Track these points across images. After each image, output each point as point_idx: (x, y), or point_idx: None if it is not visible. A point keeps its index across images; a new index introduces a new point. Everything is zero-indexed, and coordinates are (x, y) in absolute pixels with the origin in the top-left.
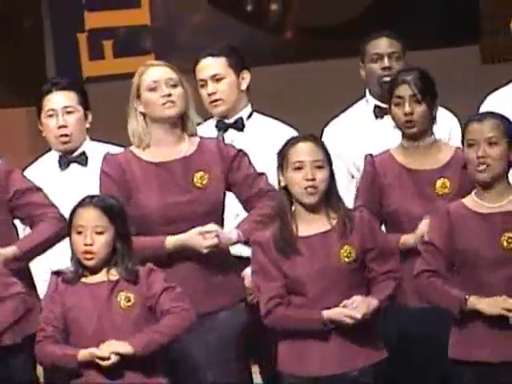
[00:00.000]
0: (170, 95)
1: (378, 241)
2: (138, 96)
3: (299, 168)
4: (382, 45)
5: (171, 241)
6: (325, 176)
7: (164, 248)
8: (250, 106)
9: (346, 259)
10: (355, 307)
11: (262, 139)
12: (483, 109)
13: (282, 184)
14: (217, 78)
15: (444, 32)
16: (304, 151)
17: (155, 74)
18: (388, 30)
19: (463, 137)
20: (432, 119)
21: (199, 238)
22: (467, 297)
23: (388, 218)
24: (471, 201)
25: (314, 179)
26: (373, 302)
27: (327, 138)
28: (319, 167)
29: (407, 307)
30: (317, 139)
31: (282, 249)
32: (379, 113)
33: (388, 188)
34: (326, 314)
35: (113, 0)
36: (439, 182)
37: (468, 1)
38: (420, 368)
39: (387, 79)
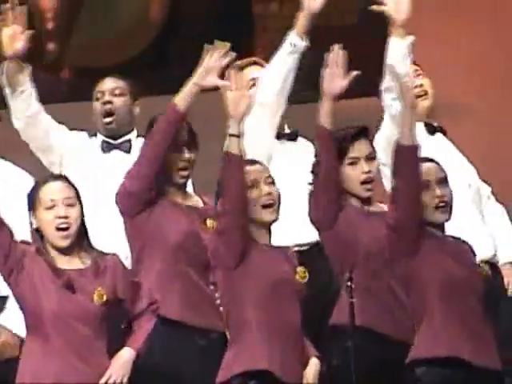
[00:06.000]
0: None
1: (128, 282)
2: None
3: (51, 207)
4: (104, 83)
5: None
6: (77, 214)
7: None
8: None
9: (99, 300)
10: None
11: None
12: None
13: (35, 226)
14: None
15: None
16: (55, 190)
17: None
18: (162, 72)
19: None
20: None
21: None
22: None
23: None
24: None
25: (66, 217)
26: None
27: None
28: (71, 205)
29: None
30: (67, 178)
31: None
32: (107, 148)
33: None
34: None
35: None
36: (210, 221)
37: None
38: None
39: (108, 119)
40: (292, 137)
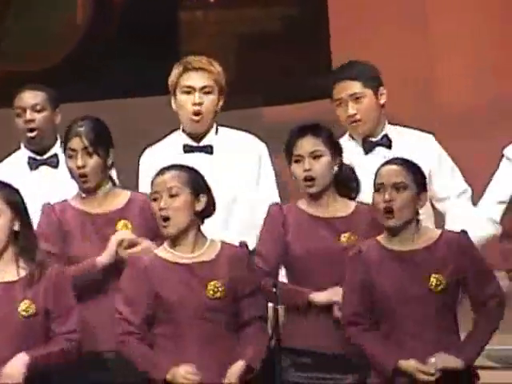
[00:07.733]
0: None
1: (58, 296)
2: None
3: None
4: (24, 98)
5: None
6: (1, 224)
7: None
8: None
9: (25, 313)
10: None
11: None
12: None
13: None
14: None
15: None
16: None
17: None
18: (88, 77)
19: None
20: (108, 168)
21: None
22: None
23: (71, 264)
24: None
25: None
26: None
27: None
28: None
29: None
30: (6, 188)
31: None
32: (34, 164)
33: (70, 234)
34: None
35: None
36: (120, 223)
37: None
38: None
39: (31, 134)
40: (207, 150)
